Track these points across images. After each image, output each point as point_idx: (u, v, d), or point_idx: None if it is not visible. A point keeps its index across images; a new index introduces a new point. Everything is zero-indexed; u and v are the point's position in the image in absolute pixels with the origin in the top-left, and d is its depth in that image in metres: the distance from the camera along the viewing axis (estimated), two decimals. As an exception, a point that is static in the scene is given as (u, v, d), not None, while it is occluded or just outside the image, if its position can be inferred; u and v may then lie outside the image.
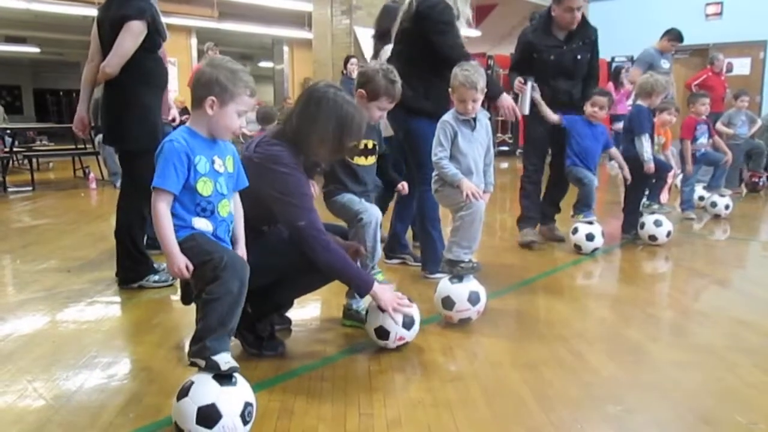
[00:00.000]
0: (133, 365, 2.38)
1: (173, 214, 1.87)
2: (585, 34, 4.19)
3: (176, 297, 3.05)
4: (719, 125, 6.93)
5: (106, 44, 3.23)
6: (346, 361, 2.40)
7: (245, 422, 1.71)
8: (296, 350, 2.51)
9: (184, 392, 1.71)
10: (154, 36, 3.27)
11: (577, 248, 4.16)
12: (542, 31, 4.22)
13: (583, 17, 4.15)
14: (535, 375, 2.27)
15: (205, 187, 1.89)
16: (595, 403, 2.06)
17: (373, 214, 2.64)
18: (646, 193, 4.64)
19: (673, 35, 6.88)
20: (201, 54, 13.21)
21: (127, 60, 3.18)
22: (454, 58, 3.05)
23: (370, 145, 2.78)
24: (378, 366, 2.34)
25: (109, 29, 3.19)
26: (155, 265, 3.40)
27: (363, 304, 2.71)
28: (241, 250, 2.06)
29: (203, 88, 1.87)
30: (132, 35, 3.17)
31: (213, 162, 1.92)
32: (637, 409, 2.02)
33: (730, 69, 8.56)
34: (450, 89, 2.89)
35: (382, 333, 2.42)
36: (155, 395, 2.07)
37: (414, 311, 2.46)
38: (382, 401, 2.05)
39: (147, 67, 3.28)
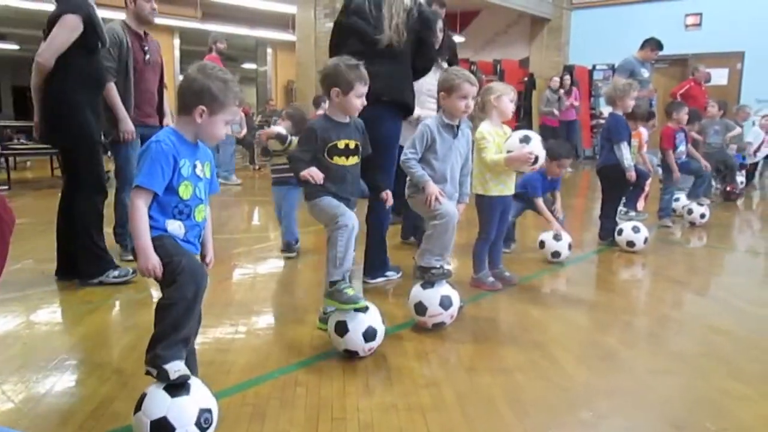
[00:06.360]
0: (104, 368, 2.35)
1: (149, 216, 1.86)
2: None
3: (153, 297, 3.02)
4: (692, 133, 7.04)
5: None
6: (320, 365, 2.38)
7: (202, 429, 1.69)
8: (270, 354, 2.49)
9: (138, 405, 1.71)
10: (92, 36, 3.26)
11: (541, 244, 4.13)
12: None
13: None
14: (509, 380, 2.27)
15: (186, 191, 1.89)
16: (568, 408, 2.07)
17: (351, 218, 2.53)
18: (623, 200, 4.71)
19: (654, 44, 6.99)
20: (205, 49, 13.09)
21: (62, 58, 3.18)
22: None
23: (351, 145, 2.64)
24: (352, 370, 2.33)
25: (48, 27, 3.19)
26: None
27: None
28: (210, 253, 2.05)
29: (194, 96, 1.87)
30: (66, 28, 3.17)
31: (195, 166, 1.92)
32: (609, 415, 2.03)
33: (708, 79, 8.69)
34: (442, 92, 2.88)
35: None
36: (126, 399, 2.03)
37: (374, 319, 2.43)
38: (355, 405, 2.04)
39: (79, 65, 3.25)
